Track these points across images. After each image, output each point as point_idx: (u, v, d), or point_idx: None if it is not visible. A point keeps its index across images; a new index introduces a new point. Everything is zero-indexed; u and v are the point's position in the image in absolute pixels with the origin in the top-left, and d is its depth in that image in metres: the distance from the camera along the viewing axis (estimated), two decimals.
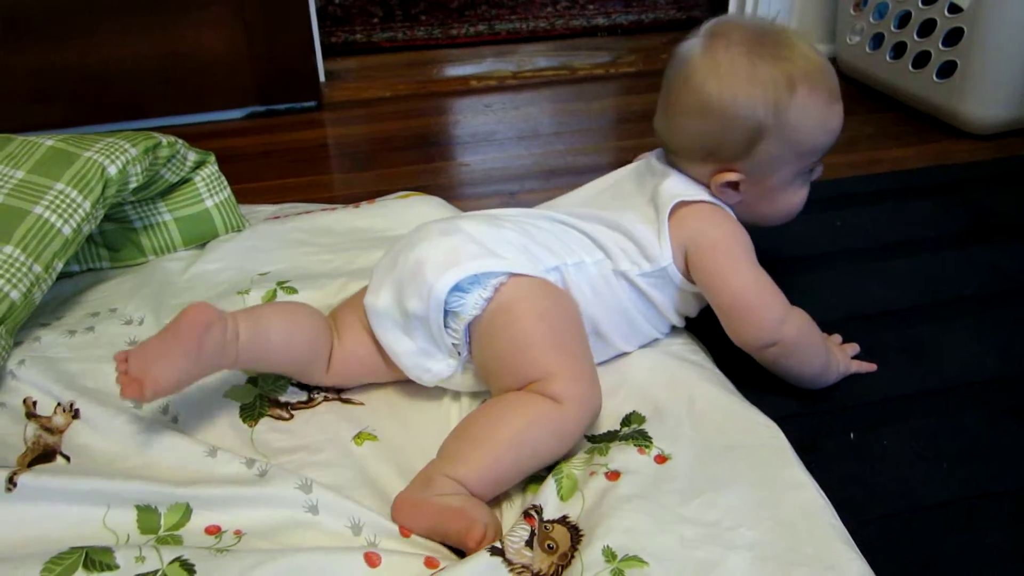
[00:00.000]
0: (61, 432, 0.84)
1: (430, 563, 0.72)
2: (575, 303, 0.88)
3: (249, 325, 0.83)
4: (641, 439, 0.82)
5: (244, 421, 0.88)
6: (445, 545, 0.76)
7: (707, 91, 0.86)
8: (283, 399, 0.91)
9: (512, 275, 0.84)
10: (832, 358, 0.93)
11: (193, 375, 0.80)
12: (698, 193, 0.91)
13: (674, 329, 0.99)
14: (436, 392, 0.92)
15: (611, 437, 0.84)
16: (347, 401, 0.92)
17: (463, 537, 0.73)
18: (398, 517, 0.76)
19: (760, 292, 0.88)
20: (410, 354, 0.87)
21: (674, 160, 0.94)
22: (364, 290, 0.92)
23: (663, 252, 0.89)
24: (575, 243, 0.90)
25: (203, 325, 0.79)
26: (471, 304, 0.83)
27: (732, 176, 0.90)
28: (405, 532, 0.75)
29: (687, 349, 0.97)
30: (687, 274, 0.90)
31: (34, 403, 0.87)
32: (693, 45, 0.89)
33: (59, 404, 0.86)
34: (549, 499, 0.76)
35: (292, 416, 0.88)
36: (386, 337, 0.88)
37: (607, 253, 0.90)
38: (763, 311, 0.87)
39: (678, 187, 0.91)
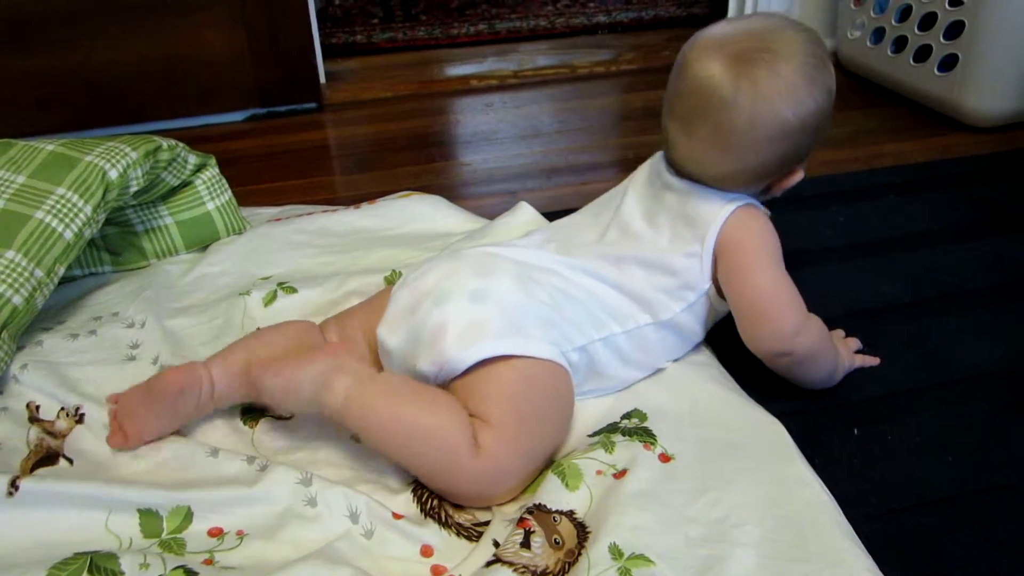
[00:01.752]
0: (64, 436, 0.84)
1: (426, 551, 0.73)
2: (568, 406, 0.84)
3: (225, 374, 0.84)
4: (645, 435, 0.82)
5: (245, 423, 0.88)
6: (435, 519, 0.77)
7: (783, 117, 0.83)
8: None
9: (530, 357, 0.80)
10: (840, 359, 0.92)
11: (173, 427, 0.85)
12: (732, 203, 0.88)
13: None
14: None
15: (612, 429, 0.84)
16: None
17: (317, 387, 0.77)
18: (264, 372, 0.79)
19: (779, 298, 0.86)
20: None
21: (707, 180, 0.89)
22: (370, 304, 0.92)
23: (704, 276, 0.88)
24: (608, 311, 0.87)
25: (176, 392, 0.82)
26: (455, 360, 0.80)
27: (799, 175, 0.90)
28: (397, 516, 0.76)
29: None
30: (719, 290, 0.89)
31: (37, 407, 0.87)
32: (719, 78, 0.83)
33: (63, 408, 0.86)
34: (553, 492, 0.76)
35: (292, 416, 0.88)
36: (391, 369, 0.87)
37: (645, 307, 0.88)
38: (779, 320, 0.86)
39: (714, 206, 0.88)
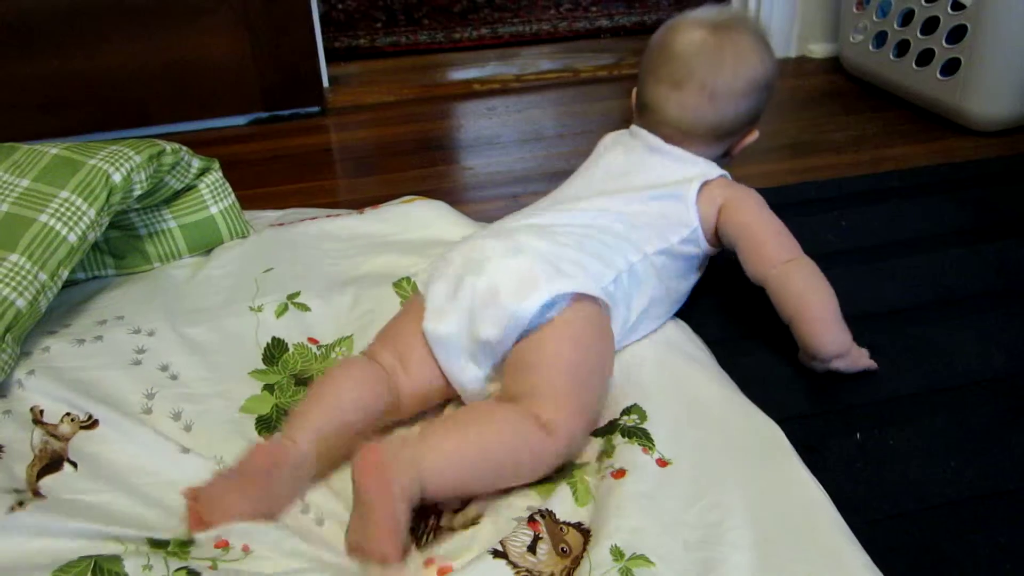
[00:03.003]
0: (68, 439, 0.84)
1: (428, 562, 0.74)
2: (612, 344, 0.89)
3: (308, 441, 0.79)
4: (644, 439, 0.82)
5: (260, 433, 0.88)
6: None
7: (757, 72, 1.00)
8: None
9: (577, 295, 0.85)
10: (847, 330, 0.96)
11: (263, 510, 0.77)
12: (711, 169, 1.01)
13: (677, 325, 1.01)
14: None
15: (611, 428, 0.84)
16: None
17: (373, 554, 0.71)
18: (359, 466, 0.72)
19: (779, 228, 0.98)
20: (476, 380, 0.87)
21: (687, 140, 1.01)
22: (410, 312, 0.91)
23: (691, 214, 0.98)
24: (624, 243, 0.93)
25: (268, 467, 0.77)
26: (538, 319, 0.83)
27: (755, 135, 1.05)
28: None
29: (691, 345, 0.97)
30: (710, 235, 1.00)
31: (41, 411, 0.87)
32: (702, 43, 0.99)
33: (68, 414, 0.86)
34: (563, 503, 0.76)
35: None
36: (451, 365, 0.87)
37: (654, 233, 0.95)
38: (785, 237, 0.97)
39: (695, 166, 1.01)
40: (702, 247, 1.00)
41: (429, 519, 0.78)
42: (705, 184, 0.99)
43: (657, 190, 0.99)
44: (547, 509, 0.75)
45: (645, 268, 0.94)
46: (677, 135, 1.02)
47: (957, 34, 1.57)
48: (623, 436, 0.82)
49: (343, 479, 0.81)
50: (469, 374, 0.87)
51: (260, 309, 1.02)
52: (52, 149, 1.01)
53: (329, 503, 0.81)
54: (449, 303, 0.87)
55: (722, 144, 1.04)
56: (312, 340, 1.00)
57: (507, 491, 0.80)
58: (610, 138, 1.09)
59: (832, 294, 0.95)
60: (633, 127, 1.07)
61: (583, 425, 0.82)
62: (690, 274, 1.02)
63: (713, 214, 0.99)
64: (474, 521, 0.78)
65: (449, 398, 0.91)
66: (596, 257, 0.90)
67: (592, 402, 0.85)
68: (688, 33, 1.00)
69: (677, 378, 0.90)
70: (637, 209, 0.97)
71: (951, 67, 1.60)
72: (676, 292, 1.01)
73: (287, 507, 0.78)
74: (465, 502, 0.79)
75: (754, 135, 1.05)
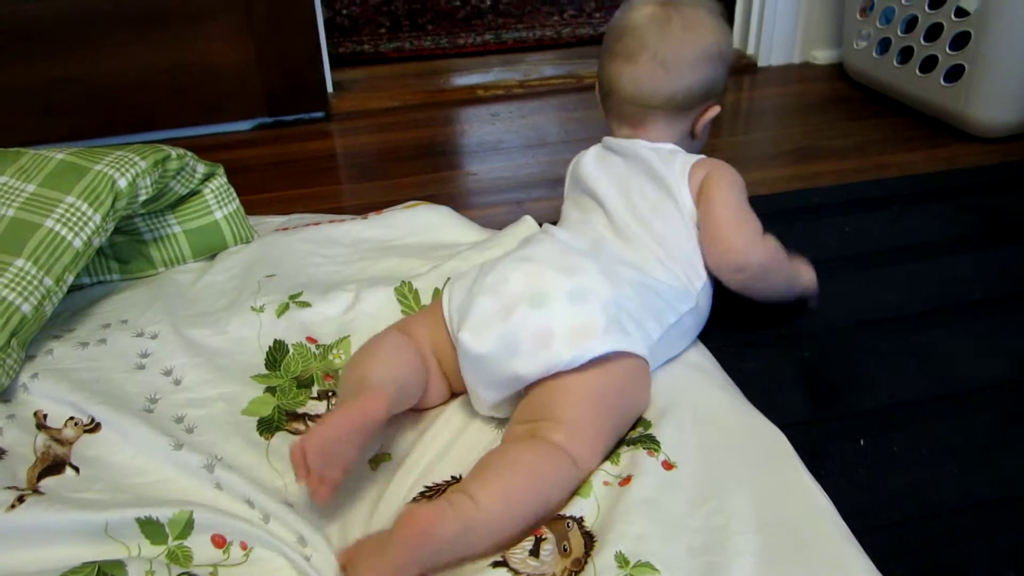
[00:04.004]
0: (71, 443, 0.85)
1: None
2: (648, 395, 0.88)
3: (392, 393, 0.80)
4: (649, 443, 0.82)
5: (261, 434, 0.88)
6: None
7: (708, 41, 1.00)
8: (301, 411, 0.91)
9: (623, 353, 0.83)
10: (798, 275, 1.02)
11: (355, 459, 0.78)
12: (688, 158, 1.01)
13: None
14: (449, 410, 0.92)
15: (620, 440, 0.84)
16: None
17: (357, 569, 0.70)
18: (402, 526, 0.70)
19: (734, 219, 0.96)
20: (492, 402, 0.86)
21: (650, 118, 1.02)
22: (428, 317, 0.92)
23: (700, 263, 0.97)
24: (673, 303, 0.92)
25: (375, 414, 0.77)
26: (568, 363, 0.81)
27: (716, 110, 1.04)
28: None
29: (694, 352, 0.98)
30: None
31: (44, 416, 0.87)
32: (651, 15, 1.01)
33: (71, 418, 0.87)
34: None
35: (309, 428, 0.88)
36: (474, 381, 0.86)
37: (694, 274, 0.95)
38: (732, 237, 0.94)
39: (675, 166, 0.99)
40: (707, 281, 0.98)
41: None
42: (688, 178, 0.99)
43: (679, 243, 0.96)
44: None
45: (678, 324, 0.93)
46: (636, 112, 1.02)
47: (961, 41, 1.57)
48: (627, 445, 0.83)
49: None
50: (490, 395, 0.86)
51: (261, 309, 1.02)
52: (58, 154, 1.01)
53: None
54: (495, 323, 0.83)
55: (682, 119, 1.03)
56: (311, 339, 1.00)
57: None
58: (591, 160, 1.07)
59: (785, 276, 1.00)
60: (605, 139, 1.07)
61: (599, 456, 0.82)
62: (702, 322, 1.00)
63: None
64: None
65: (455, 393, 0.93)
66: (652, 315, 0.89)
67: (611, 438, 0.83)
68: (639, 9, 1.02)
69: (681, 384, 0.91)
70: (675, 260, 0.95)
71: (954, 74, 1.60)
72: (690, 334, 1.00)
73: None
74: None
75: (715, 110, 1.05)
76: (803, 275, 1.03)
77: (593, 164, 1.06)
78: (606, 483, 0.79)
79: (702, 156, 1.02)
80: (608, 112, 1.07)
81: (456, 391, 0.93)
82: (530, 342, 0.82)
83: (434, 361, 0.90)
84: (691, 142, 1.06)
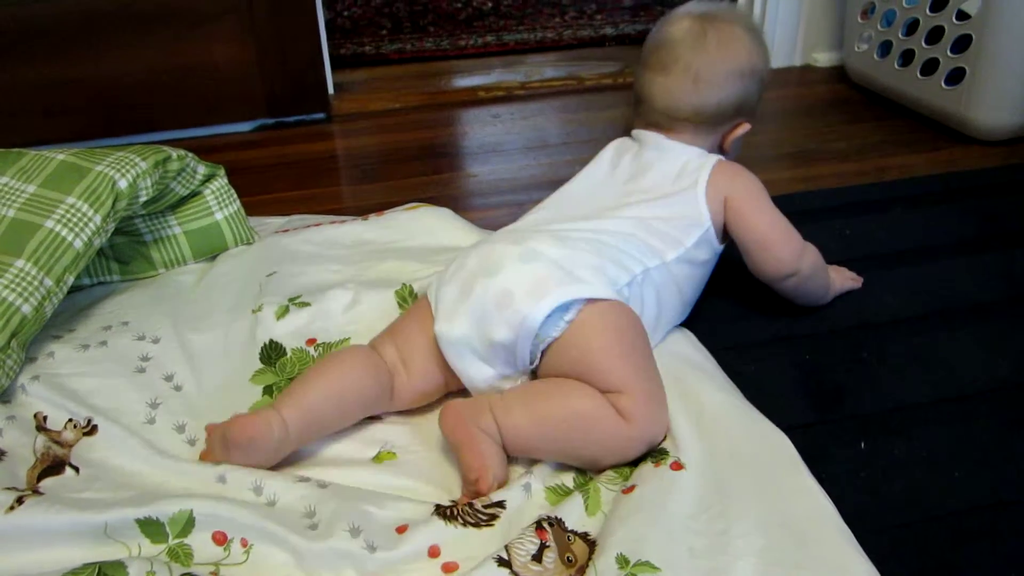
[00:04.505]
0: (70, 446, 0.84)
1: (433, 552, 0.74)
2: (642, 326, 0.90)
3: (297, 418, 0.84)
4: (657, 455, 0.82)
5: None
6: (440, 516, 0.77)
7: (741, 58, 1.02)
8: None
9: (593, 299, 0.86)
10: (832, 280, 1.09)
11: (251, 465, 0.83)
12: (711, 156, 1.03)
13: (683, 334, 1.01)
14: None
15: None
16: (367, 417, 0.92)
17: (470, 475, 0.80)
18: (442, 417, 0.84)
19: (782, 228, 1.01)
20: (488, 379, 0.88)
21: (678, 128, 1.04)
22: (416, 314, 0.93)
23: (702, 213, 0.99)
24: (639, 250, 0.94)
25: (247, 440, 0.82)
26: (552, 326, 0.85)
27: (747, 127, 1.06)
28: (400, 529, 0.76)
29: (697, 354, 0.98)
30: (720, 232, 1.01)
31: (44, 417, 0.87)
32: (688, 29, 1.03)
33: (70, 420, 0.87)
34: (573, 512, 0.77)
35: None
36: (463, 365, 0.88)
37: (667, 242, 0.96)
38: (784, 246, 1.00)
39: (698, 156, 1.03)
40: (714, 246, 1.01)
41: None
42: (710, 177, 1.00)
43: (667, 195, 0.99)
44: (556, 517, 0.76)
45: (662, 275, 0.94)
46: (665, 121, 1.04)
47: (962, 44, 1.57)
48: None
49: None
50: (482, 374, 0.88)
51: (259, 309, 1.02)
52: (58, 155, 1.01)
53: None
54: (460, 305, 0.88)
55: (711, 132, 1.05)
56: (311, 341, 1.00)
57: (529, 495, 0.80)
58: (612, 145, 1.10)
59: (827, 279, 1.07)
60: (633, 131, 1.09)
61: (657, 407, 0.84)
62: (703, 280, 1.03)
63: (720, 210, 1.00)
64: (494, 515, 0.78)
65: (450, 391, 0.93)
66: (613, 262, 0.91)
67: (653, 376, 0.87)
68: (677, 23, 1.05)
69: (683, 387, 0.90)
70: (651, 213, 0.97)
71: (956, 77, 1.60)
72: (690, 297, 1.02)
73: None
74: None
75: (745, 127, 1.06)
76: (836, 282, 1.10)
77: (614, 145, 1.10)
78: (612, 489, 0.79)
79: (719, 158, 1.04)
80: (638, 119, 1.09)
81: (452, 390, 0.94)
82: (494, 306, 0.85)
83: (418, 363, 0.91)
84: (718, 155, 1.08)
